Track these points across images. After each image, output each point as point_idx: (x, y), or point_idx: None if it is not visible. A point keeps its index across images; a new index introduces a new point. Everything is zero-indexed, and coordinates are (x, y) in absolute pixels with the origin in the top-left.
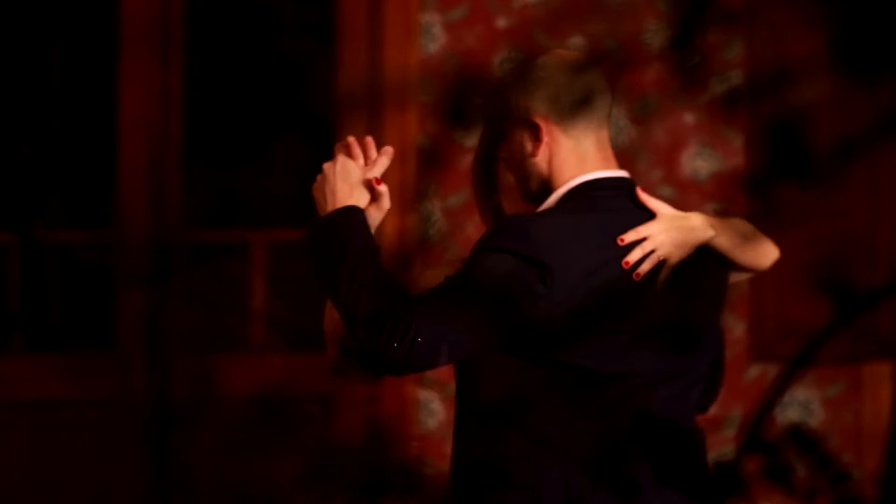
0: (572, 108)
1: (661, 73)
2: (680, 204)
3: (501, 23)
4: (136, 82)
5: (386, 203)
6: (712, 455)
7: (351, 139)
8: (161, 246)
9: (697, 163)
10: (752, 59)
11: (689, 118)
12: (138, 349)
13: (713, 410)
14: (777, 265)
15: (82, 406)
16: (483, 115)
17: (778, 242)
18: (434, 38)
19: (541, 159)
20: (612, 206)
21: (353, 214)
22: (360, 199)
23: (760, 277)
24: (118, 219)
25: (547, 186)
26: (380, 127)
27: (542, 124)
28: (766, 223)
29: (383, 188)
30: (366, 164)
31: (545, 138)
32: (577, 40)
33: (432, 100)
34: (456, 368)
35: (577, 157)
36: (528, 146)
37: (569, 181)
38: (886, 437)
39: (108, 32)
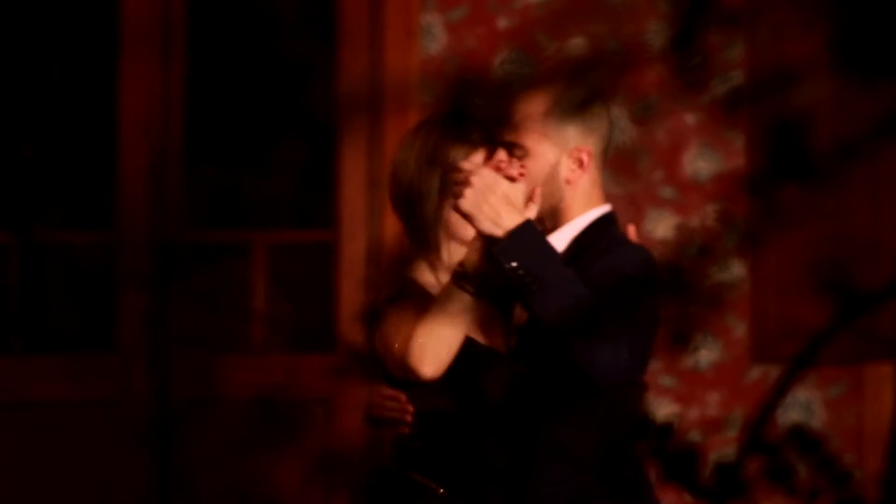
0: (610, 146)
1: (662, 73)
2: (682, 204)
3: (502, 23)
4: (136, 83)
5: (533, 212)
6: (714, 456)
7: (503, 157)
8: (162, 246)
9: (699, 163)
10: (752, 60)
11: (690, 119)
12: (139, 350)
13: (715, 411)
14: (778, 266)
15: (83, 407)
16: (481, 123)
17: (779, 243)
18: (435, 38)
19: (573, 187)
20: (623, 237)
21: (536, 227)
22: (524, 211)
23: (761, 279)
24: (119, 219)
25: (559, 212)
26: (380, 128)
27: (590, 155)
28: (767, 224)
29: (537, 198)
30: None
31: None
32: (578, 41)
33: (433, 101)
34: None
35: (599, 190)
36: (566, 172)
37: (586, 211)
38: (888, 437)
39: (108, 33)
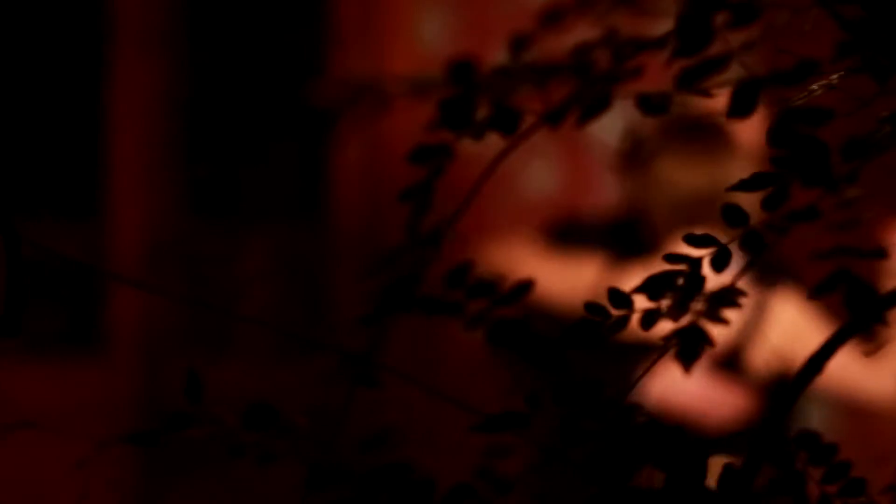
0: None
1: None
2: None
3: (502, 24)
4: (131, 79)
5: None
6: (721, 464)
7: None
8: (157, 245)
9: None
10: (760, 58)
11: None
12: (132, 351)
13: None
14: None
15: (74, 409)
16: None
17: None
18: (435, 38)
19: None
20: None
21: None
22: None
23: None
24: (113, 218)
25: None
26: (380, 128)
27: None
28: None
29: None
30: None
31: None
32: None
33: (432, 100)
34: None
35: None
36: None
37: None
38: None
39: (103, 28)
